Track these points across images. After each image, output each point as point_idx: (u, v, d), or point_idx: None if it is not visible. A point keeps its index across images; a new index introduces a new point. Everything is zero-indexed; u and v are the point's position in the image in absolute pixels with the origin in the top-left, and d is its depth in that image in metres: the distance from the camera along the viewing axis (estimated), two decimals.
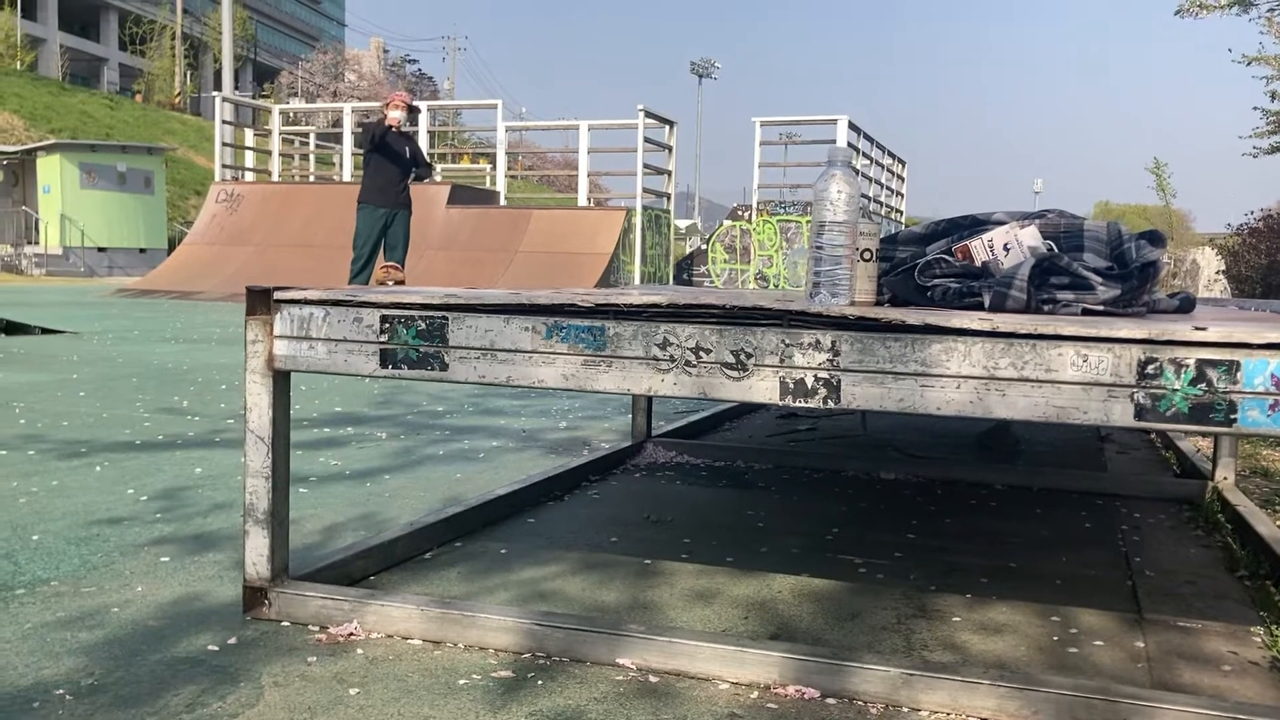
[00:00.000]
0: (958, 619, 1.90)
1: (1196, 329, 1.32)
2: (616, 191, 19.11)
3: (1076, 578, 2.19)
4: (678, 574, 2.13)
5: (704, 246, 17.55)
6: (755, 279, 16.40)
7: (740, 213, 16.95)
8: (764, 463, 3.35)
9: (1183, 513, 2.81)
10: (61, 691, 1.46)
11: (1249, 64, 16.18)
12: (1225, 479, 2.95)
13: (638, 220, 15.00)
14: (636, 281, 14.85)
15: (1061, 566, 2.27)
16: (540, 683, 1.54)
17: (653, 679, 1.57)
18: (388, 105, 9.02)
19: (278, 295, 1.73)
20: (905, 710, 1.48)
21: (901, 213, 21.93)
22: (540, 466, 3.09)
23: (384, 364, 1.68)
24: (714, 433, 4.02)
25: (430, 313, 1.65)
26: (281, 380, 1.76)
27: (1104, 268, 1.83)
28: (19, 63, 40.31)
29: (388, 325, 1.67)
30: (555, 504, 2.73)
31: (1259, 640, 1.82)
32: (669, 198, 16.46)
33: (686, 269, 17.34)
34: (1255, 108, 17.48)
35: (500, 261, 14.24)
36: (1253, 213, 14.76)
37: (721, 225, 17.35)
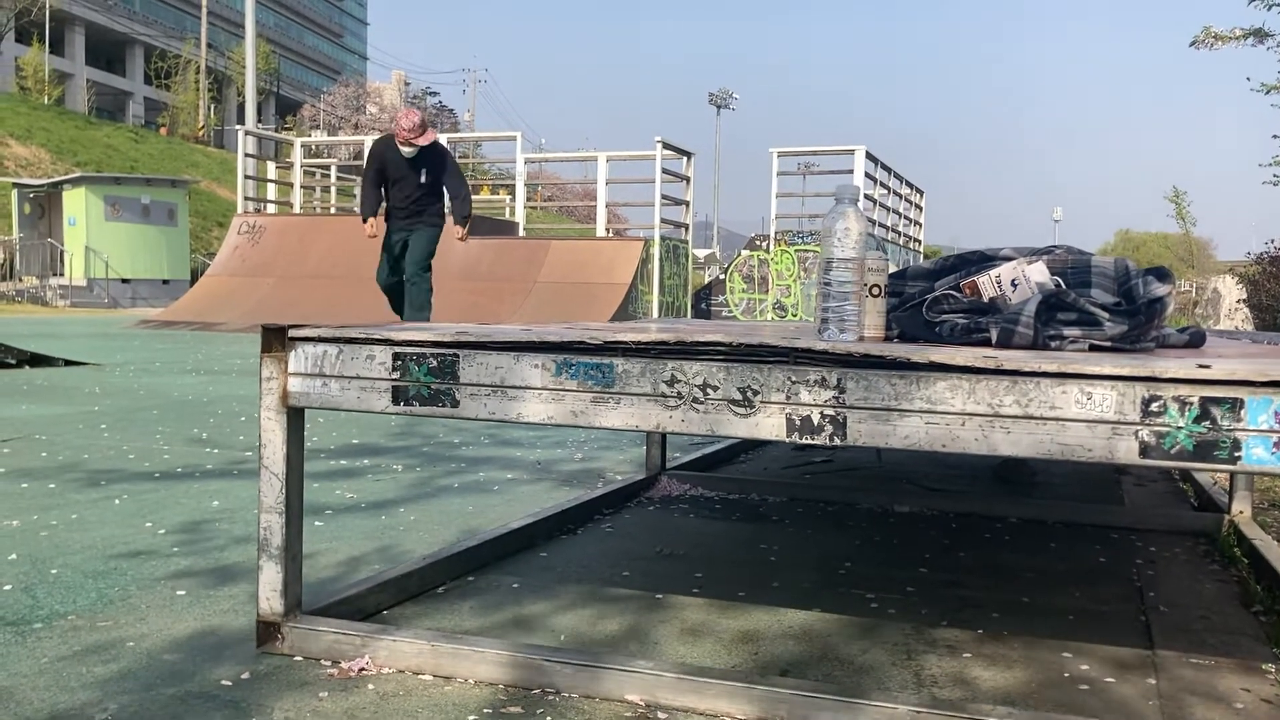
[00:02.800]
0: (969, 655, 1.89)
1: (1200, 366, 1.33)
2: (635, 222, 19.21)
3: (1090, 613, 2.18)
4: (689, 608, 2.13)
5: (722, 276, 17.59)
6: (773, 309, 16.41)
7: (758, 243, 16.99)
8: (778, 495, 3.35)
9: (1199, 546, 2.79)
10: None
11: (1268, 92, 16.15)
12: (1242, 512, 2.94)
13: (656, 250, 15.06)
14: (655, 311, 14.89)
15: (1075, 601, 2.26)
16: (549, 718, 1.55)
17: (661, 715, 1.57)
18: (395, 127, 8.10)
19: (292, 333, 1.76)
20: None
21: (920, 242, 21.94)
22: (554, 499, 3.10)
23: (396, 401, 1.70)
24: (729, 464, 4.03)
25: (441, 350, 1.67)
26: (296, 417, 1.78)
27: (1111, 304, 1.84)
28: (47, 97, 40.95)
29: (400, 362, 1.69)
30: (568, 537, 2.74)
31: (1272, 677, 1.81)
32: (687, 228, 16.53)
33: (705, 299, 17.38)
34: (1275, 135, 17.43)
35: (519, 291, 14.31)
36: (1273, 241, 14.70)
37: (739, 255, 17.39)
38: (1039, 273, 1.90)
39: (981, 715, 1.49)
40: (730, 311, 16.84)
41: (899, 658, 1.87)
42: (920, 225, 22.02)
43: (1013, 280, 1.90)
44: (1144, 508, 3.31)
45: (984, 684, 1.75)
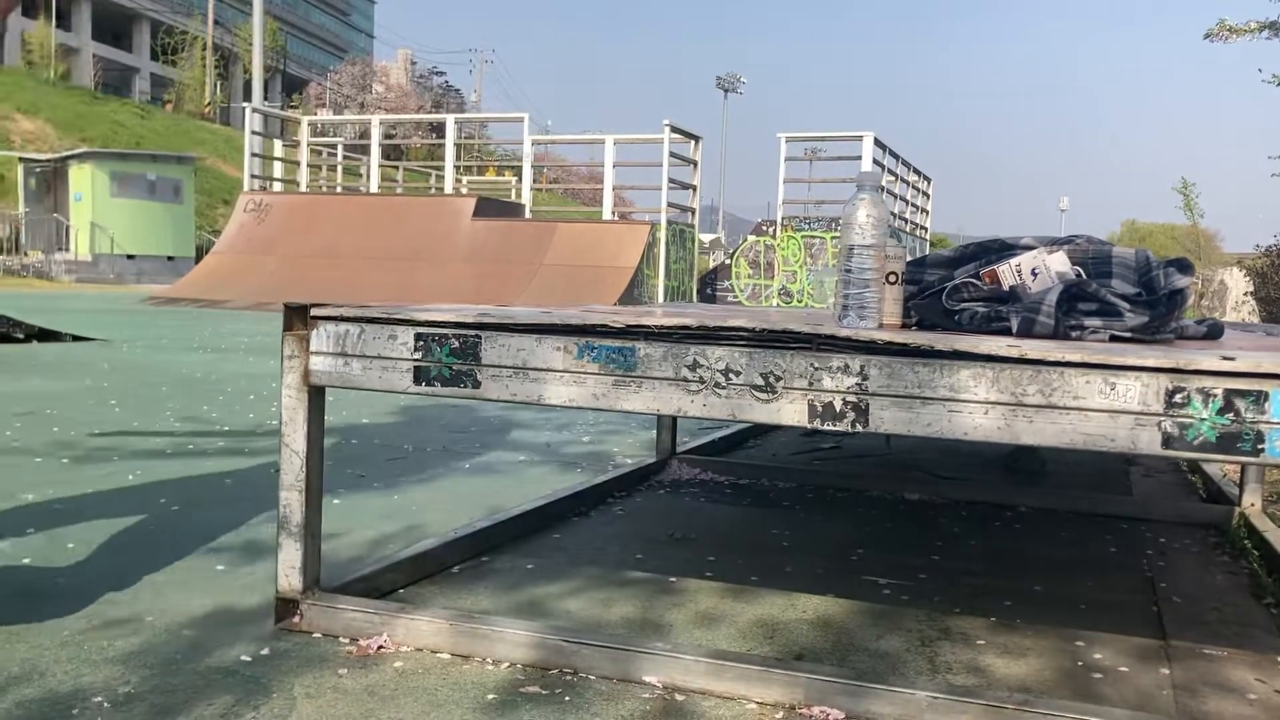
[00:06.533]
0: (981, 642, 1.90)
1: (1224, 358, 1.33)
2: (641, 205, 19.17)
3: (1101, 602, 2.19)
4: (702, 592, 2.14)
5: (728, 261, 17.56)
6: (779, 295, 16.39)
7: (764, 228, 16.95)
8: (788, 481, 3.36)
9: (1209, 538, 2.80)
10: (99, 699, 1.49)
11: (1279, 84, 16.05)
12: (1253, 505, 2.94)
13: (662, 234, 15.03)
14: (660, 296, 14.88)
15: (1086, 590, 2.27)
16: (568, 698, 1.56)
17: (679, 697, 1.58)
18: None
19: (315, 312, 1.76)
20: None
21: (927, 229, 21.88)
22: (565, 481, 3.11)
23: (418, 381, 1.70)
24: (738, 449, 4.03)
25: (464, 331, 1.67)
26: (317, 395, 1.79)
27: (1132, 294, 1.84)
28: (53, 72, 40.82)
29: (422, 343, 1.70)
30: (581, 520, 2.75)
31: None
32: (694, 212, 16.49)
33: (710, 284, 17.35)
34: None
35: (525, 274, 14.31)
36: None
37: (745, 240, 17.35)
38: (1059, 262, 1.90)
39: (996, 703, 1.50)
40: (735, 296, 16.82)
41: (914, 644, 1.88)
42: (927, 213, 21.95)
43: (1033, 269, 1.90)
44: (1154, 499, 3.31)
45: (999, 671, 1.76)
